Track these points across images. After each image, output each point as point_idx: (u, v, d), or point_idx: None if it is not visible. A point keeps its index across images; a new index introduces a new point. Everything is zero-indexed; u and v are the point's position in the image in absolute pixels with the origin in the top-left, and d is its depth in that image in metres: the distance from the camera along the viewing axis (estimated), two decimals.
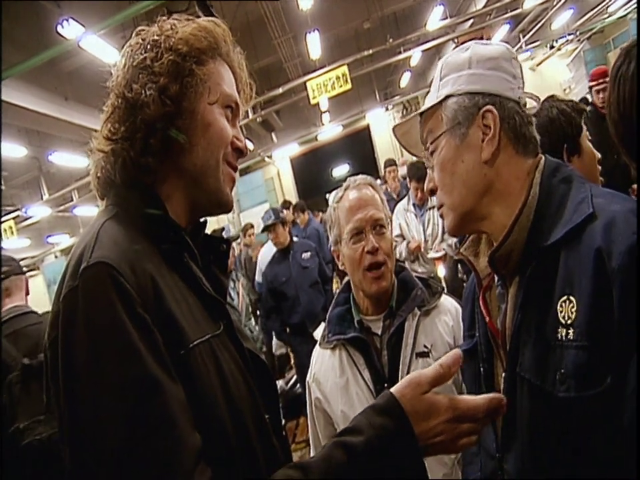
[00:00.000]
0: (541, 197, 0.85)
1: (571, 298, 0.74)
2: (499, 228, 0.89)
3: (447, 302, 1.37)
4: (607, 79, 3.03)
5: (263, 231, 4.14)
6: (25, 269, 2.48)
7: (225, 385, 0.74)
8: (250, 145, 12.84)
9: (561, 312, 0.76)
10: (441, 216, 0.97)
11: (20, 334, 1.89)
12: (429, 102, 0.95)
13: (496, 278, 0.96)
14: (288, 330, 4.22)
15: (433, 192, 0.96)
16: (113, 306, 0.64)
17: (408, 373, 1.24)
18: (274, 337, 4.81)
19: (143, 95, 0.78)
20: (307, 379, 1.45)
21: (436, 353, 1.27)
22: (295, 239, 4.43)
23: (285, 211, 5.84)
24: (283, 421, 3.83)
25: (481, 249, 1.01)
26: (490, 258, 0.89)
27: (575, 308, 0.74)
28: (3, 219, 9.58)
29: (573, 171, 0.88)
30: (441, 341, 1.29)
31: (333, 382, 1.34)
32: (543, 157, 0.91)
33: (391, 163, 5.78)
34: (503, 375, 0.89)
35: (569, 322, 0.74)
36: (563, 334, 0.75)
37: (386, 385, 1.25)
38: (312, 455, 1.45)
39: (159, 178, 0.82)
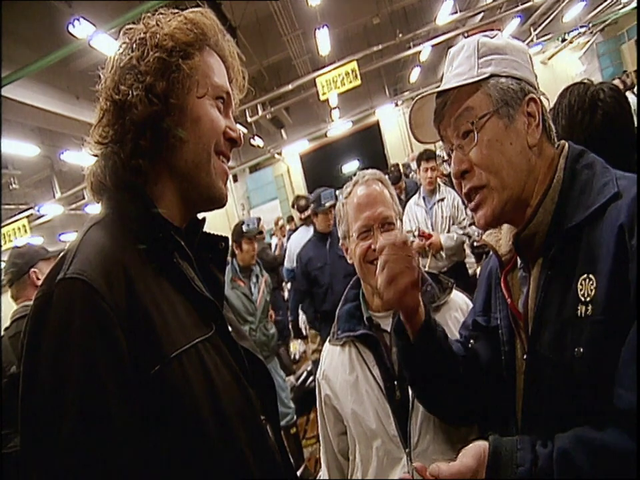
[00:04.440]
0: (564, 181, 0.87)
1: (591, 276, 0.77)
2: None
3: (458, 297, 1.36)
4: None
5: (319, 211, 3.73)
6: None
7: (212, 390, 0.74)
8: (260, 142, 12.85)
9: (581, 290, 0.78)
10: (476, 205, 0.91)
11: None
12: (460, 79, 0.91)
13: (519, 262, 0.97)
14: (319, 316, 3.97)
15: (464, 173, 0.91)
16: (82, 331, 0.64)
17: None
18: (306, 322, 4.63)
19: (130, 95, 0.77)
20: (317, 375, 1.44)
21: None
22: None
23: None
24: (295, 417, 3.85)
25: (502, 236, 1.02)
26: (514, 239, 0.91)
27: (594, 285, 0.76)
28: (16, 217, 9.68)
29: (596, 157, 0.89)
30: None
31: (342, 379, 1.33)
32: (567, 144, 0.92)
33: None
34: (525, 356, 0.90)
35: (588, 299, 0.76)
36: (582, 311, 0.77)
37: (395, 382, 1.25)
38: (322, 451, 1.46)
39: (150, 178, 0.81)
